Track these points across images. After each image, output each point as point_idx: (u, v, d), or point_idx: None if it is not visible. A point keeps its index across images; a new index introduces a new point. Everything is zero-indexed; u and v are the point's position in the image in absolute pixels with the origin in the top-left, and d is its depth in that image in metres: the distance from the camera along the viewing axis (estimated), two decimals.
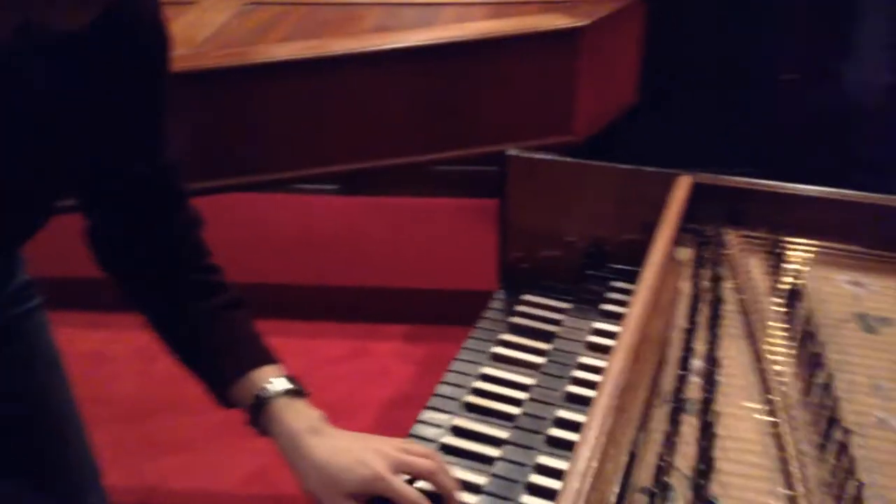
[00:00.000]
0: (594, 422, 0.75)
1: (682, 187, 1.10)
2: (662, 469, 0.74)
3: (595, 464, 0.71)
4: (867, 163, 2.22)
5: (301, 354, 2.36)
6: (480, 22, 1.78)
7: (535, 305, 1.18)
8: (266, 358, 0.92)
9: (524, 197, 1.23)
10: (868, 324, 0.95)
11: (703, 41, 2.24)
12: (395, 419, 2.10)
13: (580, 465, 0.71)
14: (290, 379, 0.91)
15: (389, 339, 2.46)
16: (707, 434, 0.77)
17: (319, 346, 2.43)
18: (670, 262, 1.00)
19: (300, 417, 0.87)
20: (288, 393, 0.89)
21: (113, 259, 0.97)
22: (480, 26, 1.75)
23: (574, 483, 0.69)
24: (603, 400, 0.77)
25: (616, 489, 0.73)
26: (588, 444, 0.73)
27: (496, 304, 1.20)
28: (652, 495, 0.71)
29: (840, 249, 1.06)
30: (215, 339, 0.92)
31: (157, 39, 0.86)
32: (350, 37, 1.75)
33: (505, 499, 0.87)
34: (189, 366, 0.95)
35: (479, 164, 2.85)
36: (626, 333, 0.86)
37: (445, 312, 2.50)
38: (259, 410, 0.88)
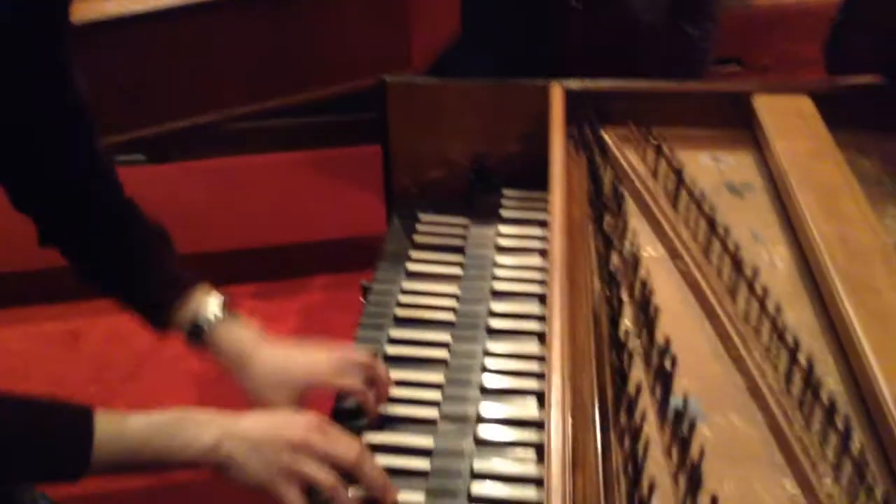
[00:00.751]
0: (555, 294, 0.85)
1: (557, 93, 1.21)
2: (616, 323, 0.86)
3: (567, 326, 0.81)
4: (654, 75, 2.49)
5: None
6: None
7: (435, 224, 1.26)
8: (196, 280, 0.96)
9: (405, 122, 1.30)
10: (735, 190, 1.12)
11: None
12: None
13: (556, 327, 0.81)
14: (223, 298, 0.95)
15: (241, 300, 2.43)
16: (644, 293, 0.90)
17: None
18: (568, 159, 1.11)
19: (242, 334, 0.93)
20: (223, 312, 0.94)
21: (34, 197, 0.95)
22: None
23: (556, 343, 0.79)
24: (556, 275, 0.87)
25: (592, 345, 0.83)
26: (556, 311, 0.82)
27: (395, 230, 1.26)
28: (620, 347, 0.83)
29: (695, 133, 1.23)
30: (146, 268, 0.95)
31: None
32: None
33: (465, 382, 0.95)
34: (120, 296, 0.97)
35: (304, 116, 2.84)
36: (555, 219, 0.96)
37: (289, 266, 2.51)
38: (199, 332, 0.93)
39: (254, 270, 2.49)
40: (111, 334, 2.19)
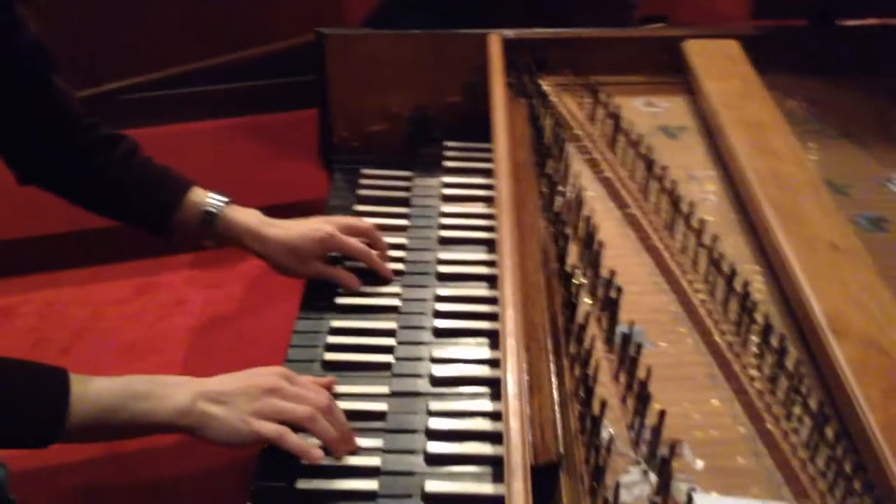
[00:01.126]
0: (505, 234, 0.88)
1: (495, 42, 1.24)
2: (563, 259, 0.90)
3: (517, 263, 0.84)
4: None
5: (83, 302, 2.25)
6: None
7: (378, 177, 1.27)
8: (189, 181, 1.07)
9: (344, 75, 1.31)
10: (670, 133, 1.17)
11: None
12: (209, 340, 2.10)
13: (507, 264, 0.84)
14: (217, 193, 1.07)
15: (177, 270, 2.40)
16: (588, 230, 0.93)
17: (101, 290, 2.31)
18: (509, 106, 1.13)
19: (250, 216, 1.06)
20: (227, 203, 1.06)
21: (11, 140, 1.01)
22: None
23: (508, 278, 0.82)
24: (505, 216, 0.91)
25: (542, 277, 0.87)
26: (507, 249, 0.86)
27: (338, 185, 1.27)
28: (567, 280, 0.86)
29: (631, 80, 1.27)
30: (142, 181, 1.05)
31: None
32: None
33: (418, 327, 0.98)
34: (123, 215, 1.08)
35: (235, 82, 2.79)
36: (500, 163, 0.99)
37: None
38: (211, 223, 1.05)
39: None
40: (45, 309, 2.14)
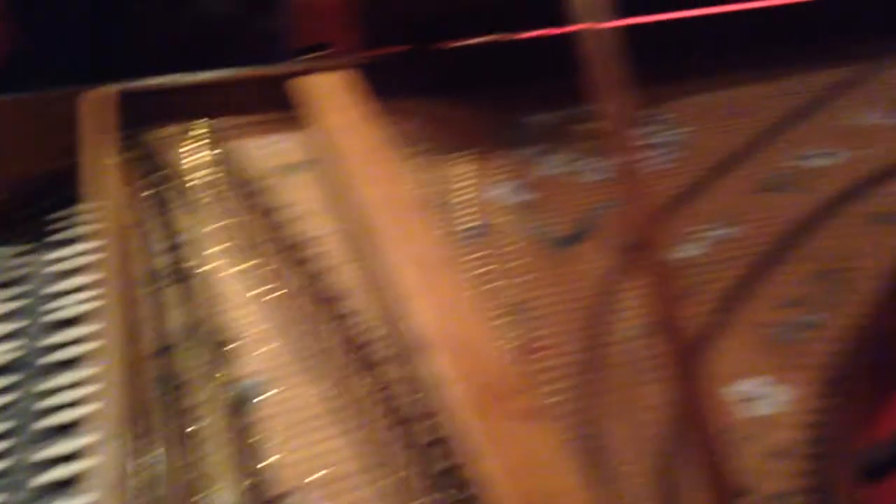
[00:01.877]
0: (109, 306, 0.83)
1: (93, 98, 1.18)
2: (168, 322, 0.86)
3: (121, 332, 0.80)
4: None
5: None
6: None
7: None
8: None
9: None
10: (292, 169, 1.17)
11: None
12: None
13: (109, 337, 0.79)
14: None
15: None
16: (200, 287, 0.91)
17: None
18: (117, 164, 1.08)
19: None
20: None
21: None
22: None
23: (109, 355, 0.77)
24: (109, 285, 0.86)
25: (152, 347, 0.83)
26: (111, 322, 0.81)
27: None
28: (168, 347, 0.83)
29: (253, 120, 1.26)
30: None
31: None
32: None
33: (23, 428, 0.89)
34: None
35: None
36: (102, 230, 0.95)
37: None
38: None
39: None
40: None
